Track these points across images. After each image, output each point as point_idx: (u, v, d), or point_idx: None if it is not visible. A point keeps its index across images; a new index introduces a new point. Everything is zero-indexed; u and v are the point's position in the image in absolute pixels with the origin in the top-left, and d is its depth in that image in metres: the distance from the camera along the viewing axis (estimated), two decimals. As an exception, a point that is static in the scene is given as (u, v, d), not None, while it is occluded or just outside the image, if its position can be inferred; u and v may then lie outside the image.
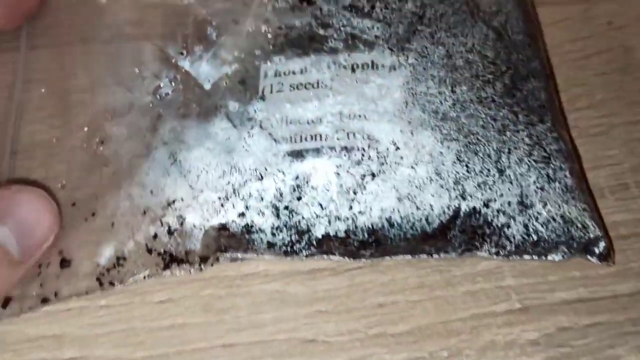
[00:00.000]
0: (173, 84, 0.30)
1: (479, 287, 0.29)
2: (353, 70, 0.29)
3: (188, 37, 0.31)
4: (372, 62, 0.29)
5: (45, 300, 0.27)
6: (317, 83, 0.29)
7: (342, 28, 0.30)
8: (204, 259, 0.27)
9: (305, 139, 0.28)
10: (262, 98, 0.29)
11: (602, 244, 0.28)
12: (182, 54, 0.31)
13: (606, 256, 0.28)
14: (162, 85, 0.30)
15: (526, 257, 0.28)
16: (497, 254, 0.27)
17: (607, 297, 0.29)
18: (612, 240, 0.29)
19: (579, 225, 0.27)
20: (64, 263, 0.27)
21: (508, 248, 0.27)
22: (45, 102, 0.32)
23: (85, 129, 0.31)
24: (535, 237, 0.27)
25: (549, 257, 0.28)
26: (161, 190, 0.28)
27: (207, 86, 0.30)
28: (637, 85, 0.34)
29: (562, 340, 0.28)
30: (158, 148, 0.29)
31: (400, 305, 0.28)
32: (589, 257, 0.28)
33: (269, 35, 0.30)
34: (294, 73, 0.29)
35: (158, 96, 0.30)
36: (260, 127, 0.29)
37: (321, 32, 0.30)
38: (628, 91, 0.34)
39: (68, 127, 0.31)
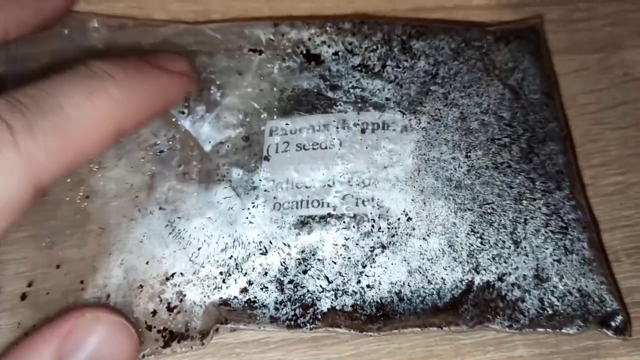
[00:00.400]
0: (170, 142, 0.29)
1: (489, 357, 0.28)
2: (363, 132, 0.28)
3: (190, 96, 0.30)
4: (384, 123, 0.29)
5: None
6: (325, 144, 0.28)
7: (351, 90, 0.30)
8: (204, 334, 0.26)
9: (312, 205, 0.27)
10: (267, 158, 0.28)
11: (619, 318, 0.27)
12: (183, 112, 0.30)
13: (623, 330, 0.27)
14: (158, 142, 0.29)
15: (540, 330, 0.27)
16: (510, 327, 0.27)
17: (623, 369, 0.28)
18: (628, 309, 0.28)
19: (596, 299, 0.27)
20: None
21: (522, 322, 0.27)
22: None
23: (69, 179, 0.29)
24: (550, 311, 0.26)
25: (564, 330, 0.27)
26: (158, 262, 0.27)
27: (207, 148, 0.29)
28: (654, 142, 0.33)
29: (575, 416, 0.27)
30: (154, 213, 0.28)
31: (407, 375, 0.27)
32: (605, 330, 0.27)
33: (275, 96, 0.30)
34: (300, 132, 0.29)
35: (151, 152, 0.29)
36: (265, 196, 0.28)
37: (330, 94, 0.29)
38: (644, 148, 0.33)
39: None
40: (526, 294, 0.26)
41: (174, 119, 0.29)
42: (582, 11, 0.37)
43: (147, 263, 0.27)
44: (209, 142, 0.29)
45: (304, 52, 0.31)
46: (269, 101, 0.30)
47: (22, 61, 0.31)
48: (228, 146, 0.29)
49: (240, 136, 0.29)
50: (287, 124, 0.29)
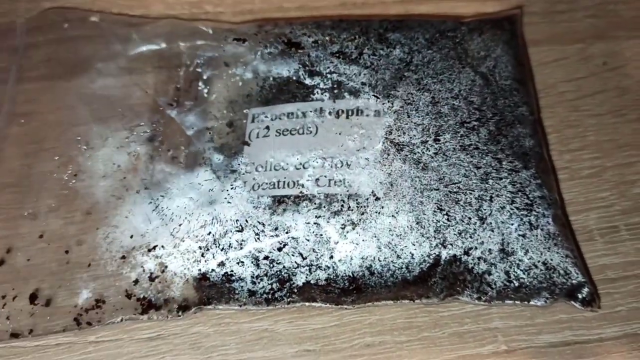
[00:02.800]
0: (154, 125, 0.33)
1: (466, 328, 0.31)
2: (337, 117, 0.31)
3: (180, 92, 0.34)
4: (358, 109, 0.32)
5: (15, 335, 0.29)
6: (302, 130, 0.31)
7: (329, 75, 0.33)
8: (183, 307, 0.29)
9: (288, 186, 0.30)
10: (247, 143, 0.32)
11: (585, 290, 0.30)
12: (171, 105, 0.33)
13: (590, 302, 0.30)
14: (142, 123, 0.33)
15: (508, 302, 0.30)
16: (479, 299, 0.29)
17: (593, 340, 0.31)
18: (596, 285, 0.31)
19: (561, 272, 0.29)
20: (40, 300, 0.30)
21: (490, 293, 0.29)
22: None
23: (56, 157, 0.33)
24: (516, 284, 0.29)
25: (532, 302, 0.30)
26: (141, 236, 0.30)
27: (190, 132, 0.32)
28: (630, 128, 0.36)
29: (546, 383, 0.30)
30: (140, 192, 0.31)
31: (387, 345, 0.30)
32: (572, 302, 0.30)
33: (258, 84, 0.33)
34: (280, 118, 0.32)
35: (136, 133, 0.32)
36: (243, 178, 0.31)
37: (308, 81, 0.33)
38: (621, 133, 0.36)
39: (39, 152, 0.34)
40: (492, 267, 0.29)
41: (161, 108, 0.33)
42: (564, 3, 0.40)
43: (131, 237, 0.30)
44: (193, 128, 0.32)
45: (285, 40, 0.34)
46: (252, 89, 0.33)
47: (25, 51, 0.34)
48: (210, 132, 0.32)
49: (225, 122, 0.32)
50: (267, 111, 0.32)
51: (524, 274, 0.29)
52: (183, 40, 0.35)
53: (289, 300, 0.29)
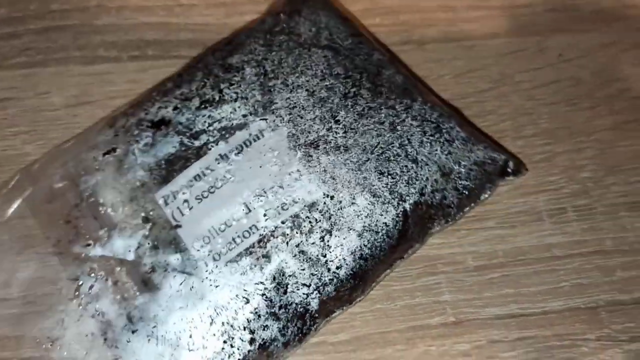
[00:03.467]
0: (92, 274, 0.30)
1: (417, 301, 0.33)
2: (241, 152, 0.31)
3: (84, 229, 0.31)
4: (255, 136, 0.32)
5: None
6: (218, 181, 0.31)
7: (210, 128, 0.32)
8: None
9: (249, 234, 0.30)
10: (179, 225, 0.30)
11: (510, 164, 0.33)
12: (89, 245, 0.31)
13: (519, 169, 0.34)
14: (80, 283, 0.31)
15: (467, 209, 0.32)
16: (447, 222, 0.32)
17: (537, 313, 0.33)
18: (515, 154, 0.35)
19: (489, 161, 0.33)
20: None
21: (452, 213, 0.32)
22: (18, 120, 0.36)
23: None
24: (467, 192, 0.32)
25: (481, 198, 0.33)
26: None
27: (131, 256, 0.30)
28: (581, 116, 0.38)
29: (492, 352, 0.32)
30: (130, 339, 0.30)
31: (341, 316, 0.32)
32: (507, 178, 0.33)
33: (145, 169, 0.32)
34: (190, 185, 0.31)
35: (83, 296, 0.30)
36: (209, 257, 0.30)
37: (196, 143, 0.32)
38: (573, 121, 0.38)
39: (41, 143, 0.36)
40: (444, 192, 0.32)
41: (83, 255, 0.31)
42: (526, -3, 0.42)
43: None
44: (129, 250, 0.30)
45: (149, 124, 0.33)
46: (147, 181, 0.31)
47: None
48: (149, 243, 0.30)
49: (140, 222, 0.31)
50: (173, 186, 0.31)
51: (467, 181, 0.32)
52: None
53: (315, 327, 0.30)
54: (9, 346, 0.31)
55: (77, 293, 0.30)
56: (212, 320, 0.29)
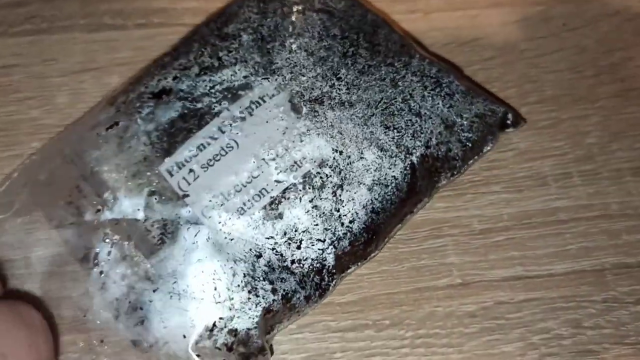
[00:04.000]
0: (107, 239, 0.30)
1: (423, 263, 0.34)
2: (248, 115, 0.32)
3: (90, 195, 0.31)
4: (259, 97, 0.32)
5: None
6: (224, 149, 0.31)
7: (212, 92, 0.32)
8: (262, 349, 0.30)
9: (266, 191, 0.30)
10: (186, 195, 0.30)
11: (510, 115, 0.34)
12: (99, 210, 0.31)
13: (517, 121, 0.35)
14: (97, 250, 0.30)
15: (471, 162, 0.33)
16: (453, 175, 0.33)
17: (543, 275, 0.33)
18: (513, 106, 0.36)
19: (489, 113, 0.34)
20: None
21: (458, 165, 0.33)
22: (24, 86, 0.37)
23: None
24: (470, 144, 0.33)
25: (484, 151, 0.34)
26: (192, 327, 0.29)
27: (141, 215, 0.30)
28: (585, 83, 0.38)
29: (498, 313, 0.33)
30: (155, 292, 0.30)
31: (349, 277, 0.32)
32: (507, 130, 0.34)
33: (155, 140, 0.31)
34: (195, 156, 0.31)
35: (102, 262, 0.30)
36: (217, 215, 0.30)
37: (199, 105, 0.32)
38: (577, 88, 0.38)
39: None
40: (449, 144, 0.32)
41: (95, 222, 0.31)
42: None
43: (184, 337, 0.29)
44: (138, 209, 0.30)
45: (150, 95, 0.32)
46: (143, 151, 0.31)
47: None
48: (155, 199, 0.30)
49: (152, 196, 0.31)
50: (178, 157, 0.31)
51: (469, 133, 0.33)
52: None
53: (334, 282, 0.31)
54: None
55: (96, 261, 0.30)
56: (234, 271, 0.29)
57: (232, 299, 0.29)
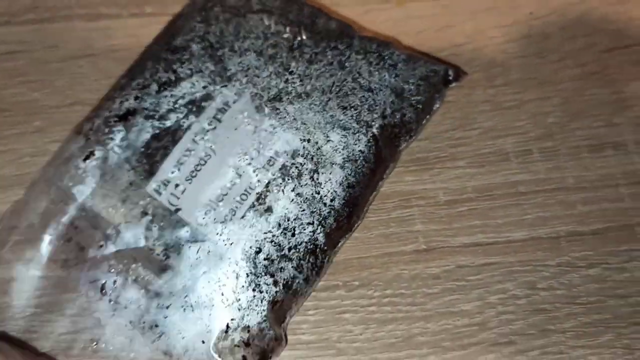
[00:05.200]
0: (113, 269, 0.32)
1: (391, 230, 0.37)
2: (216, 123, 0.34)
3: (87, 230, 0.33)
4: (223, 104, 0.35)
5: None
6: (203, 159, 0.33)
7: (176, 106, 0.34)
8: (279, 337, 0.32)
9: (247, 195, 0.33)
10: (178, 210, 0.33)
11: (450, 71, 0.37)
12: (101, 246, 0.33)
13: (458, 75, 0.38)
14: (104, 281, 0.32)
15: (424, 122, 0.37)
16: (410, 137, 0.36)
17: (501, 242, 0.37)
18: (452, 63, 0.39)
19: (432, 74, 0.37)
20: None
21: (413, 127, 0.36)
22: (27, 70, 0.40)
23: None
24: (421, 106, 0.36)
25: (434, 108, 0.37)
26: (208, 332, 0.32)
27: (142, 242, 0.32)
28: (549, 68, 0.41)
29: (459, 275, 0.36)
30: (168, 315, 0.32)
31: (322, 243, 0.36)
32: (450, 85, 0.37)
33: (136, 165, 0.34)
34: (178, 170, 0.33)
35: (109, 291, 0.32)
36: (213, 221, 0.33)
37: (167, 123, 0.34)
38: (541, 72, 0.41)
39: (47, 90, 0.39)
40: (403, 110, 0.36)
41: (98, 257, 0.33)
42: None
43: (203, 342, 0.32)
44: (139, 237, 0.33)
45: (116, 119, 0.34)
46: (134, 179, 0.33)
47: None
48: (155, 226, 0.33)
49: (145, 221, 0.33)
50: (161, 176, 0.33)
51: (418, 96, 0.36)
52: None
53: (328, 259, 0.34)
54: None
55: (103, 291, 0.32)
56: (237, 274, 0.32)
57: (239, 299, 0.32)
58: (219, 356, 0.31)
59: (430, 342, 0.34)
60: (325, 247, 0.33)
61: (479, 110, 0.39)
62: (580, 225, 0.37)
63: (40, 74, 0.40)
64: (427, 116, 0.37)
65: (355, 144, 0.34)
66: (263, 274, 0.32)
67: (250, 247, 0.32)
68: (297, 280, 0.33)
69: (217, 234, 0.32)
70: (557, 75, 0.41)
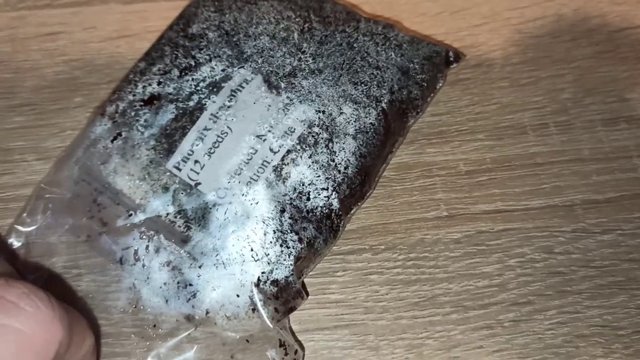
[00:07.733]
0: (144, 236, 0.34)
1: (414, 198, 0.39)
2: (235, 100, 0.36)
3: (110, 206, 0.35)
4: (239, 84, 0.36)
5: None
6: (221, 136, 0.35)
7: (197, 88, 0.36)
8: (300, 292, 0.34)
9: (267, 163, 0.35)
10: (197, 184, 0.34)
11: (450, 53, 0.40)
12: (130, 215, 0.35)
13: (458, 56, 0.40)
14: (136, 248, 0.34)
15: (429, 98, 0.39)
16: (418, 113, 0.39)
17: (520, 209, 0.39)
18: (452, 46, 0.42)
19: (434, 55, 0.39)
20: None
21: (419, 104, 0.38)
22: (68, 50, 0.43)
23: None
24: (425, 84, 0.38)
25: (437, 87, 0.40)
26: (242, 287, 0.33)
27: (171, 209, 0.34)
28: (564, 47, 0.43)
29: (479, 240, 0.38)
30: (201, 274, 0.34)
31: (349, 211, 0.38)
32: (451, 66, 0.40)
33: (156, 144, 0.35)
34: (196, 145, 0.35)
35: (142, 257, 0.34)
36: (239, 189, 0.34)
37: (190, 103, 0.36)
38: (556, 51, 0.43)
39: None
40: (408, 87, 0.38)
41: (128, 225, 0.34)
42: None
43: (237, 296, 0.33)
44: (167, 204, 0.34)
45: (142, 103, 0.36)
46: (148, 154, 0.35)
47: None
48: (182, 192, 0.34)
49: (160, 190, 0.35)
50: (181, 152, 0.35)
51: (423, 74, 0.39)
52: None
53: (343, 222, 0.36)
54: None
55: (136, 257, 0.34)
56: (265, 231, 0.34)
57: (268, 254, 0.33)
58: (253, 309, 0.33)
59: (452, 301, 0.36)
60: (340, 212, 0.35)
61: (497, 87, 0.41)
62: (595, 194, 0.39)
63: (80, 53, 0.42)
64: (432, 94, 0.39)
65: (366, 117, 0.36)
66: (289, 231, 0.34)
67: (275, 207, 0.34)
68: (318, 240, 0.35)
69: (243, 195, 0.34)
70: (570, 54, 0.43)
